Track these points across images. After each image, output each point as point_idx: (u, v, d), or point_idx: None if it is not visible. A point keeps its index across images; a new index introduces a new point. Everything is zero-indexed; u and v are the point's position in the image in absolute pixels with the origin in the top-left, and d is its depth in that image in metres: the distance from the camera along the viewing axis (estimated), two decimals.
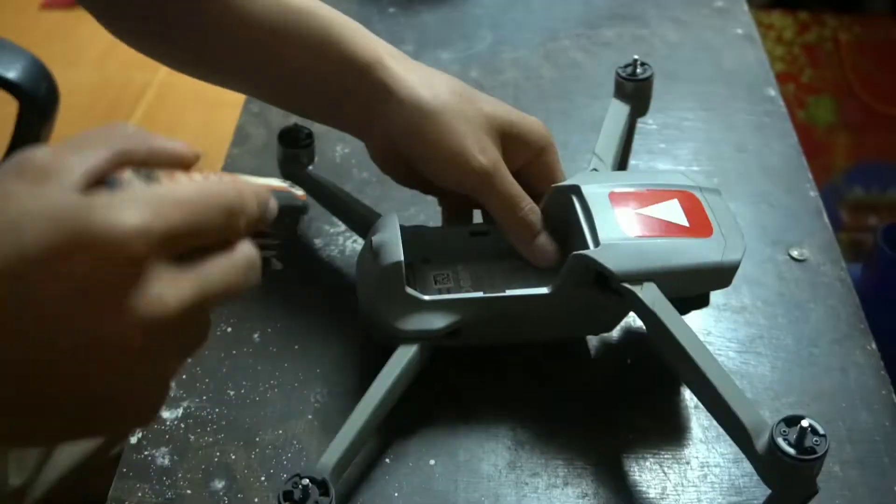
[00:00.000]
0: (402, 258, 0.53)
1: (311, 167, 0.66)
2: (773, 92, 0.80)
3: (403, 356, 0.52)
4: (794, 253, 0.65)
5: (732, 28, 0.88)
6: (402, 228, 0.55)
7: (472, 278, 0.57)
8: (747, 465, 0.47)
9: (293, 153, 0.65)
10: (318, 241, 0.66)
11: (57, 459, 0.71)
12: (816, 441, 0.44)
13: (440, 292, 0.56)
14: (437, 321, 0.53)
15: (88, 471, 0.73)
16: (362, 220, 0.61)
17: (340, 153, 0.73)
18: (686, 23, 0.88)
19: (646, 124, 0.76)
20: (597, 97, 0.77)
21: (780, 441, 0.44)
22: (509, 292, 0.55)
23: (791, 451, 0.44)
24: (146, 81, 1.98)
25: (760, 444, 0.45)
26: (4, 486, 0.67)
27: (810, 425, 0.44)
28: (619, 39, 0.86)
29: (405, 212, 0.68)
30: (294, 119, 0.76)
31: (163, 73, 2.01)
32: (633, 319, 0.59)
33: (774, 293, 0.62)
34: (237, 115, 0.77)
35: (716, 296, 0.61)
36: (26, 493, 0.69)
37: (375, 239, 0.54)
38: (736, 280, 0.62)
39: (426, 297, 0.54)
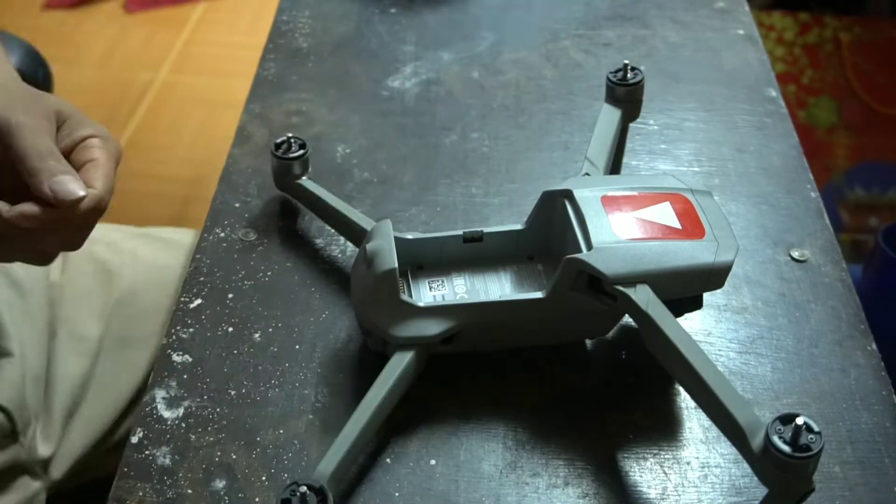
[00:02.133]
0: (397, 265, 0.53)
1: (306, 176, 0.66)
2: (773, 93, 0.80)
3: (399, 363, 0.52)
4: (795, 253, 0.65)
5: (733, 29, 0.88)
6: (396, 236, 0.55)
7: (467, 284, 0.58)
8: (748, 466, 0.47)
9: (286, 164, 0.65)
10: (319, 241, 0.66)
11: (75, 437, 0.73)
12: (812, 438, 0.44)
13: (435, 299, 0.56)
14: (432, 328, 0.53)
15: (102, 449, 0.75)
16: (356, 229, 0.61)
17: (342, 153, 0.73)
18: (687, 23, 0.88)
19: (647, 125, 0.76)
20: (598, 98, 0.77)
21: (776, 439, 0.44)
22: (503, 298, 0.55)
23: (786, 448, 0.44)
24: (148, 81, 1.98)
25: (756, 442, 0.45)
26: (35, 454, 0.69)
27: (805, 423, 0.44)
28: (619, 40, 0.86)
29: (406, 212, 0.68)
30: (292, 124, 0.76)
31: (165, 73, 2.01)
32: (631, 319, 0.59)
33: (775, 294, 0.62)
34: (238, 116, 0.77)
35: (717, 296, 0.62)
36: (51, 465, 0.71)
37: (370, 247, 0.54)
38: (736, 281, 0.63)
39: (421, 304, 0.54)
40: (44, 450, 0.70)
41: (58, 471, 0.72)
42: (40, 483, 0.70)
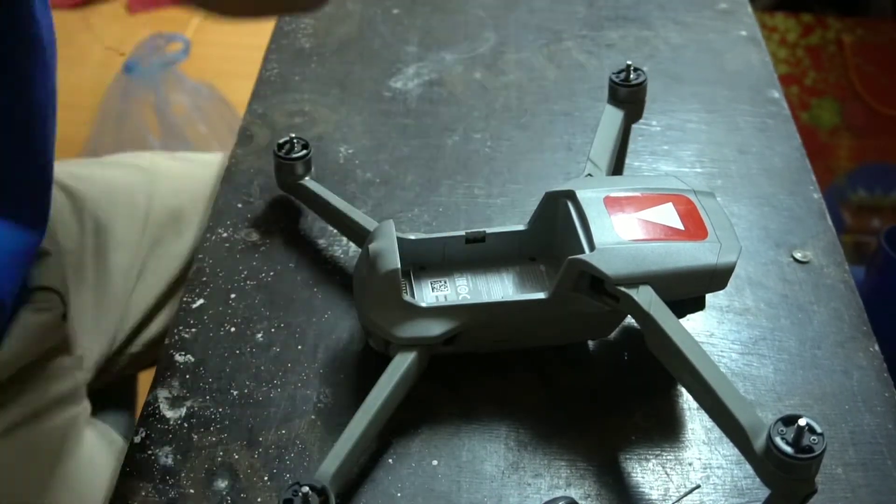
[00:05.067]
0: (399, 266, 0.53)
1: (309, 176, 0.66)
2: (776, 94, 0.80)
3: (402, 363, 0.52)
4: (798, 255, 0.65)
5: (736, 30, 0.88)
6: (399, 236, 0.55)
7: (469, 285, 0.58)
8: (749, 467, 0.47)
9: (289, 164, 0.65)
10: (321, 242, 0.66)
11: (95, 341, 0.75)
12: (814, 440, 0.44)
13: (437, 300, 0.56)
14: (435, 328, 0.53)
15: (118, 356, 0.78)
16: (358, 230, 0.61)
17: (344, 154, 0.73)
18: (689, 25, 0.88)
19: (649, 126, 0.76)
20: (600, 99, 0.77)
21: (778, 440, 0.44)
22: (506, 298, 0.55)
23: (789, 450, 0.44)
24: None
25: (758, 444, 0.45)
26: (73, 346, 0.71)
27: (807, 424, 0.44)
28: (622, 41, 0.86)
29: (408, 213, 0.68)
30: (294, 125, 0.76)
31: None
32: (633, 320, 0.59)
33: (777, 295, 0.62)
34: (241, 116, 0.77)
35: (719, 298, 0.62)
36: (83, 363, 0.73)
37: (372, 247, 0.54)
38: (739, 282, 0.63)
39: (423, 305, 0.54)
40: (76, 347, 0.71)
41: (87, 370, 0.73)
42: (82, 374, 0.71)
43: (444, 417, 0.55)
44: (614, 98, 0.66)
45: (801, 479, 0.44)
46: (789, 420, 0.45)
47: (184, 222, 0.82)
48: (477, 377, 0.57)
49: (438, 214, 0.68)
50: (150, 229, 0.80)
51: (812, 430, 0.44)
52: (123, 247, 0.78)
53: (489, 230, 0.59)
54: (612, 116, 0.65)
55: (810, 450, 0.44)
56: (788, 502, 0.46)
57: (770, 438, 0.44)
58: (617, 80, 0.66)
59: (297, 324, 0.60)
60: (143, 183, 0.82)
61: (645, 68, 0.67)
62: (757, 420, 0.46)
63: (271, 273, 0.64)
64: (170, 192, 0.83)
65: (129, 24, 2.17)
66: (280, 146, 0.65)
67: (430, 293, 0.57)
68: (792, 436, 0.44)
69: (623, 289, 0.51)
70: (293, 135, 0.66)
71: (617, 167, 0.68)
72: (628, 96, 0.66)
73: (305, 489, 0.46)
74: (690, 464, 0.53)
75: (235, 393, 0.56)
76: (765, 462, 0.45)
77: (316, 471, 0.48)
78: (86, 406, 0.70)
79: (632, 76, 0.66)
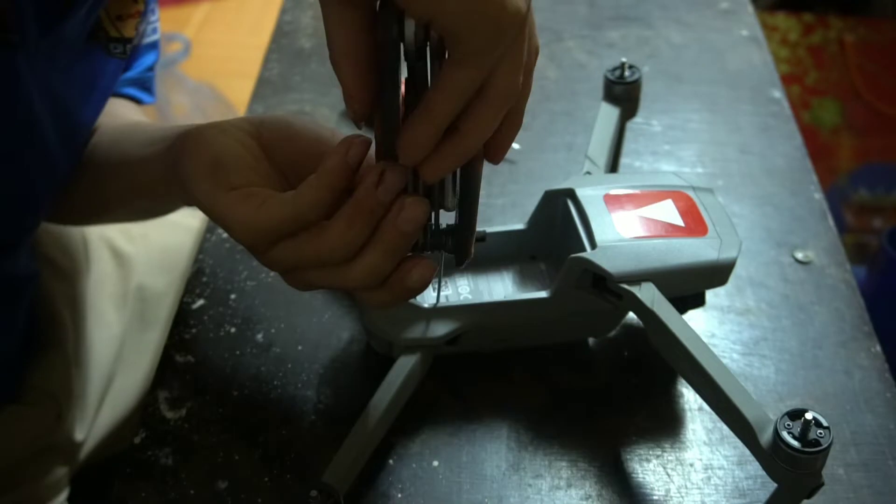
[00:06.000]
0: None
1: None
2: (777, 94, 0.80)
3: (405, 365, 0.52)
4: (799, 255, 0.65)
5: (737, 29, 0.88)
6: None
7: (470, 285, 0.58)
8: (751, 468, 0.47)
9: None
10: None
11: (102, 420, 0.74)
12: (820, 433, 0.44)
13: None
14: (438, 329, 0.53)
15: (123, 430, 0.76)
16: None
17: None
18: (691, 24, 0.88)
19: (650, 126, 0.76)
20: (601, 98, 0.77)
21: (785, 434, 0.44)
22: (508, 298, 0.55)
23: (795, 443, 0.44)
24: None
25: (765, 438, 0.45)
26: (71, 439, 0.70)
27: (814, 418, 0.44)
28: (623, 41, 0.86)
29: None
30: None
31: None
32: (634, 318, 0.59)
33: (779, 295, 0.62)
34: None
35: (720, 298, 0.61)
36: (81, 449, 0.72)
37: None
38: (740, 282, 0.63)
39: (426, 306, 0.54)
40: (79, 434, 0.71)
41: (84, 453, 0.73)
42: (67, 468, 0.70)
43: (445, 418, 0.55)
44: (610, 95, 0.66)
45: (808, 472, 0.44)
46: (795, 414, 0.45)
47: None
48: (478, 378, 0.57)
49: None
50: (131, 312, 0.77)
51: (818, 424, 0.44)
52: (163, 323, 0.76)
53: (489, 230, 0.59)
54: (608, 114, 0.65)
55: (817, 443, 0.44)
56: (795, 496, 0.46)
57: (777, 433, 0.44)
58: (612, 77, 0.66)
59: (297, 324, 0.60)
60: (191, 248, 0.80)
61: (646, 68, 0.67)
62: (763, 415, 0.46)
63: (271, 273, 0.63)
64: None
65: None
66: None
67: (431, 293, 0.57)
68: (798, 430, 0.44)
69: (625, 286, 0.51)
70: None
71: (613, 165, 0.68)
72: (624, 93, 0.66)
73: (314, 493, 0.45)
74: (692, 464, 0.53)
75: (235, 394, 0.56)
76: (771, 457, 0.45)
77: (316, 471, 0.48)
78: (66, 493, 0.69)
79: (626, 73, 0.65)
